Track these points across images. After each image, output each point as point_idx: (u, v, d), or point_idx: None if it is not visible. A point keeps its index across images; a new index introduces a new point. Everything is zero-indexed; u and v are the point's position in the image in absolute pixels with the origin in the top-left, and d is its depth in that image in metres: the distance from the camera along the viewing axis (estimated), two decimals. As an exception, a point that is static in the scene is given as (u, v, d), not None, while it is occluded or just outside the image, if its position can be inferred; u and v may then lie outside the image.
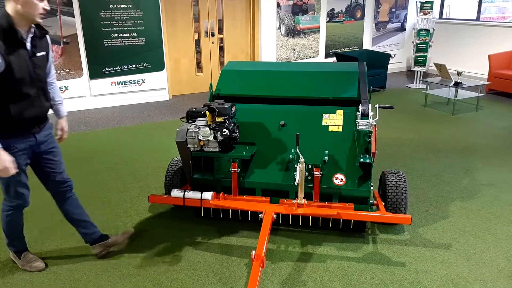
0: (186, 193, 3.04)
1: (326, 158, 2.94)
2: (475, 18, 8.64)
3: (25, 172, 2.49)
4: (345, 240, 3.06)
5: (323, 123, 3.27)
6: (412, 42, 8.06)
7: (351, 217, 2.89)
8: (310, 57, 8.52)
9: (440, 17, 9.26)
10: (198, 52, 7.72)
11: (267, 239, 2.59)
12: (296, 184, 2.85)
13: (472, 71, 8.35)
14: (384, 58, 7.69)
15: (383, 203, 3.13)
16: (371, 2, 8.87)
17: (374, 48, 9.13)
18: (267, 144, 3.25)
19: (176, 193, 3.08)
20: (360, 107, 3.04)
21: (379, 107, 3.27)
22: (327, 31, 8.55)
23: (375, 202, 3.15)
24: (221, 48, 7.91)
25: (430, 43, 7.81)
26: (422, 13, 7.68)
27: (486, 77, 7.46)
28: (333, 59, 8.53)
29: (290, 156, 3.04)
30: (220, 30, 7.81)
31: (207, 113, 2.95)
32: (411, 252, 2.92)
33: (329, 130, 3.24)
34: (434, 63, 6.63)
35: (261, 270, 2.41)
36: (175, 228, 3.25)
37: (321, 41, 8.56)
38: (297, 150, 2.93)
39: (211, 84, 3.55)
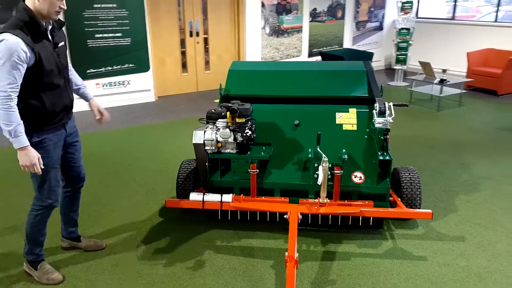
0: (205, 196, 2.99)
1: (346, 156, 2.96)
2: (445, 17, 8.97)
3: (59, 169, 2.50)
4: (364, 237, 3.10)
5: (337, 122, 3.30)
6: (393, 41, 8.26)
7: (375, 215, 2.93)
8: (294, 56, 8.57)
9: (416, 16, 9.55)
10: (183, 52, 7.60)
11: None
12: (319, 183, 2.85)
13: (451, 68, 8.65)
14: (367, 56, 7.83)
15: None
16: (351, 1, 9.03)
17: (355, 47, 9.30)
18: (283, 144, 3.24)
19: (195, 196, 3.01)
20: (377, 105, 3.08)
21: (393, 105, 3.33)
22: (310, 30, 8.63)
23: (391, 198, 3.20)
24: (206, 48, 7.82)
25: (410, 42, 8.04)
26: (403, 13, 7.89)
27: (465, 74, 7.75)
28: (317, 58, 8.62)
29: (309, 155, 3.04)
30: (205, 30, 7.72)
31: (228, 114, 2.91)
32: (429, 246, 2.99)
33: (344, 128, 3.27)
34: (419, 61, 6.84)
35: (295, 271, 2.40)
36: (190, 232, 3.18)
37: (304, 41, 8.63)
38: (318, 149, 2.94)
39: (220, 85, 3.51)
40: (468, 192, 3.79)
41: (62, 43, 2.42)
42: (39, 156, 2.26)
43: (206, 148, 2.99)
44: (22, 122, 2.19)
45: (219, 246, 3.02)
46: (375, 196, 3.03)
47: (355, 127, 3.26)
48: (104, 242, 3.02)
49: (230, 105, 3.00)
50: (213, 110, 2.98)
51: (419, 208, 3.16)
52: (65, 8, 2.29)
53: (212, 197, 3.00)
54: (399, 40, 8.07)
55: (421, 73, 7.15)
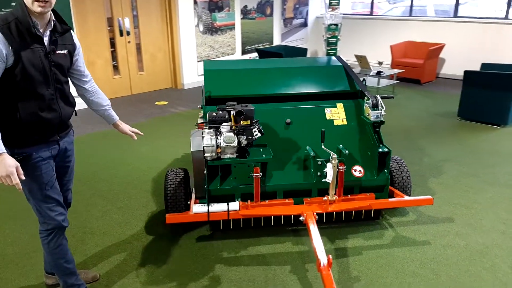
0: (210, 207, 2.76)
1: (347, 152, 2.95)
2: (369, 13, 9.58)
3: (56, 185, 2.12)
4: (365, 230, 3.14)
5: (328, 118, 3.28)
6: (323, 36, 8.57)
7: (384, 206, 2.97)
8: (228, 54, 8.43)
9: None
10: (113, 53, 7.02)
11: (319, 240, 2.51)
12: (328, 181, 2.81)
13: (377, 60, 9.23)
14: (301, 52, 8.01)
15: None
16: (278, -2, 9.16)
17: (284, 44, 9.46)
18: (278, 144, 3.13)
19: (198, 208, 2.77)
20: (369, 98, 3.12)
21: (381, 98, 3.40)
22: (242, 27, 8.57)
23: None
24: (138, 48, 7.33)
25: (338, 37, 8.41)
26: (330, 9, 8.21)
27: (389, 65, 8.33)
28: (251, 55, 8.60)
29: (311, 153, 2.98)
30: (136, 28, 7.22)
31: (232, 117, 2.71)
32: (427, 230, 3.13)
33: (335, 124, 3.26)
34: (355, 55, 7.17)
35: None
36: (191, 248, 2.93)
37: (237, 38, 8.54)
38: (323, 146, 2.89)
39: (203, 87, 3.29)
40: (436, 175, 4.05)
41: (64, 51, 2.05)
42: (18, 165, 1.87)
43: (206, 155, 2.76)
44: None
45: (228, 258, 2.82)
46: (375, 188, 3.08)
47: (345, 122, 3.27)
48: (97, 273, 2.64)
49: (229, 107, 2.80)
50: (214, 114, 2.76)
51: (409, 195, 3.29)
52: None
53: (218, 207, 2.79)
54: (329, 36, 8.39)
55: (354, 66, 7.50)
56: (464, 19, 8.14)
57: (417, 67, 7.91)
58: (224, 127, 2.72)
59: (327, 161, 2.85)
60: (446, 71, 8.48)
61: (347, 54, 8.84)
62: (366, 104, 3.15)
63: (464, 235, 3.06)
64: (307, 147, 3.09)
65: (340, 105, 3.34)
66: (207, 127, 2.83)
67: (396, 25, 8.91)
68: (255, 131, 2.71)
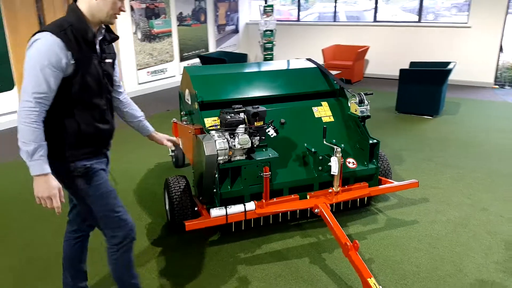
0: (228, 209, 2.79)
1: (342, 145, 3.18)
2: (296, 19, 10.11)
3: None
4: (360, 216, 3.40)
5: (316, 116, 3.49)
6: (259, 42, 8.85)
7: (381, 192, 3.26)
8: (167, 61, 8.30)
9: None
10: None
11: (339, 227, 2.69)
12: (334, 173, 3.00)
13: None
14: (242, 58, 8.19)
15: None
16: (211, 5, 9.24)
17: (218, 50, 9.57)
18: (276, 143, 3.25)
19: (216, 212, 2.79)
20: (355, 96, 3.38)
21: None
22: (179, 34, 8.49)
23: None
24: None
25: (274, 42, 8.75)
26: (265, 16, 8.52)
27: (322, 68, 8.88)
28: (191, 61, 8.56)
29: (313, 149, 3.15)
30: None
31: (245, 119, 2.77)
32: (411, 211, 3.48)
33: (323, 121, 3.48)
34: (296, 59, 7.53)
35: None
36: (207, 254, 2.92)
37: (175, 45, 8.45)
38: (325, 141, 3.09)
39: (196, 92, 3.28)
40: (399, 163, 4.49)
41: (110, 60, 1.98)
42: (60, 187, 1.79)
43: (219, 158, 2.79)
44: (45, 144, 1.72)
45: (246, 258, 2.87)
46: (366, 177, 3.36)
47: (332, 118, 3.51)
48: None
49: (238, 110, 2.85)
50: (228, 117, 2.78)
51: (391, 179, 3.63)
52: (125, 10, 1.86)
53: (236, 209, 2.83)
54: (265, 41, 8.70)
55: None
56: (384, 23, 9.01)
57: (347, 68, 8.56)
58: (240, 129, 2.77)
59: (329, 156, 3.05)
60: (371, 71, 9.29)
61: (283, 58, 9.23)
62: (352, 101, 3.42)
63: (442, 211, 3.47)
64: (305, 144, 3.26)
65: (325, 103, 3.57)
66: (216, 131, 2.85)
67: (323, 30, 9.54)
68: (269, 131, 2.80)
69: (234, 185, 2.99)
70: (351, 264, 2.51)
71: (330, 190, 3.08)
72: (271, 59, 8.81)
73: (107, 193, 1.95)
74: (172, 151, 4.40)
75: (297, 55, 9.64)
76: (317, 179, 3.18)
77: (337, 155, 2.97)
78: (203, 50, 9.19)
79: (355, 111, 3.38)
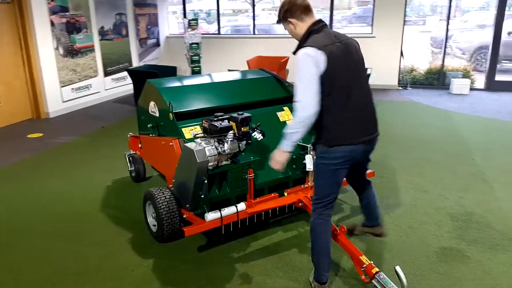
0: (222, 212, 2.92)
1: (310, 145, 3.50)
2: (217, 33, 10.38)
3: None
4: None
5: (281, 120, 3.77)
6: (186, 55, 8.92)
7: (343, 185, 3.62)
8: (91, 77, 7.95)
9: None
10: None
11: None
12: (309, 169, 3.29)
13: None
14: (171, 70, 8.19)
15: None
16: (131, 19, 9.08)
17: (142, 64, 9.42)
18: (252, 147, 3.44)
19: (212, 215, 2.89)
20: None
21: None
22: (102, 49, 8.20)
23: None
24: (-11, 77, 6.30)
25: (200, 55, 8.91)
26: (190, 29, 8.64)
27: (248, 78, 9.26)
28: (115, 76, 8.30)
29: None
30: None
31: (233, 125, 2.93)
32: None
33: (288, 124, 3.77)
34: (228, 70, 7.78)
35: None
36: (201, 258, 3.00)
37: (98, 60, 8.14)
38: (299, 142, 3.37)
39: (170, 103, 3.35)
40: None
41: None
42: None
43: (210, 164, 2.90)
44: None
45: (240, 257, 3.02)
46: (331, 171, 3.71)
47: (295, 121, 3.81)
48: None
49: (222, 117, 2.99)
50: (217, 125, 2.90)
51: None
52: None
53: (229, 210, 2.96)
54: (192, 54, 8.80)
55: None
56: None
57: (272, 77, 9.04)
58: (230, 135, 2.92)
59: (301, 155, 3.35)
60: (292, 80, 9.90)
61: (210, 70, 9.41)
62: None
63: (394, 196, 3.98)
64: (277, 146, 3.51)
65: (286, 108, 3.87)
66: (201, 138, 2.96)
67: (245, 42, 9.95)
68: (254, 135, 2.99)
69: (221, 189, 3.12)
70: (342, 247, 2.80)
71: (306, 185, 3.37)
72: (199, 71, 8.95)
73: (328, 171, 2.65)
74: (131, 166, 4.33)
75: (222, 66, 9.91)
76: (292, 176, 3.45)
77: (311, 152, 3.27)
78: (127, 64, 8.98)
79: (317, 113, 3.72)
